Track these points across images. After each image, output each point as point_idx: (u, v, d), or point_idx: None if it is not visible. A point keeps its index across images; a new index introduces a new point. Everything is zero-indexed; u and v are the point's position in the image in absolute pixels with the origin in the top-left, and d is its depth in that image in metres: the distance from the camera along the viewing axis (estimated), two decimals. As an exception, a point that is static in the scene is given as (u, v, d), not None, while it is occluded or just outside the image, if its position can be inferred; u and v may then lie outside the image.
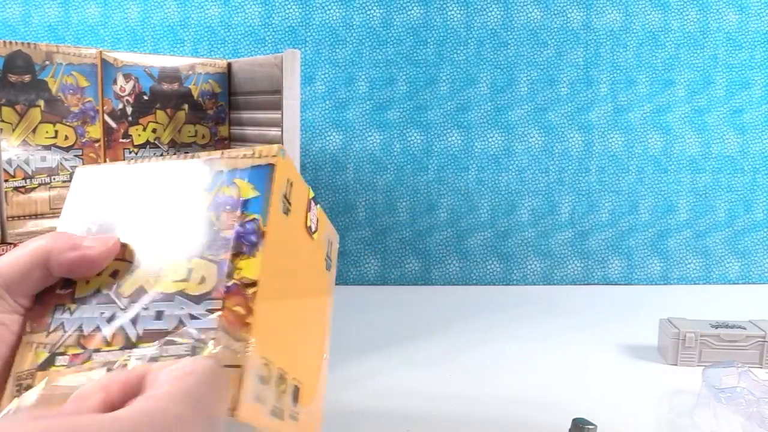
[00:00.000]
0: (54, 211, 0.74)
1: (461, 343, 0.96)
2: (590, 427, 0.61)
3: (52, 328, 0.30)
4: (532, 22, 1.26)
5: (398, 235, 1.29)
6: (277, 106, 0.80)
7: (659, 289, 1.29)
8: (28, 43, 0.70)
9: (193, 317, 0.28)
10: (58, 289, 0.31)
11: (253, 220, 0.30)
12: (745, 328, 0.88)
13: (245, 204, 0.31)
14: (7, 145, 0.70)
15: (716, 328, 0.88)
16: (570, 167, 1.30)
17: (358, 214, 1.28)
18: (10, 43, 0.69)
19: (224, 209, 0.31)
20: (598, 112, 1.29)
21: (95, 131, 0.77)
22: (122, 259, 0.31)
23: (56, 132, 0.73)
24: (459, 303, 1.17)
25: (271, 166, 0.32)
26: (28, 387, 0.29)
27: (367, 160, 1.27)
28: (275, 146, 0.32)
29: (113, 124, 0.79)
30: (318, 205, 0.37)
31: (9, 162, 0.70)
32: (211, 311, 0.28)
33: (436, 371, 0.85)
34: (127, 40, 1.20)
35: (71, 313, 0.30)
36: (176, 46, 1.21)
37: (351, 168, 1.27)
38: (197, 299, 0.29)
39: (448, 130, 1.27)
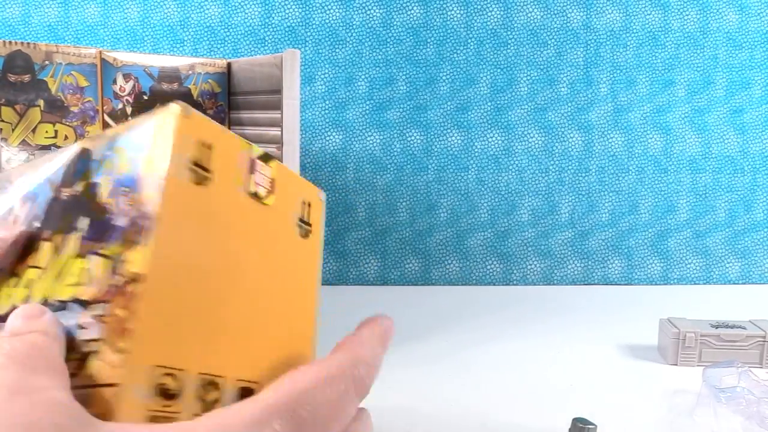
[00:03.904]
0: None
1: (461, 343, 0.96)
2: (590, 427, 0.61)
3: None
4: (532, 22, 1.26)
5: (398, 236, 1.29)
6: (277, 106, 0.80)
7: (659, 289, 1.29)
8: (28, 43, 0.70)
9: (81, 327, 0.24)
10: None
11: (148, 201, 0.25)
12: (745, 328, 0.88)
13: (140, 184, 0.25)
14: (7, 144, 0.70)
15: (716, 328, 0.88)
16: (570, 167, 1.30)
17: (358, 214, 1.28)
18: (10, 42, 0.69)
19: (121, 192, 0.26)
20: (598, 112, 1.29)
21: (95, 131, 0.77)
22: (34, 266, 0.28)
23: (56, 132, 0.73)
24: (459, 303, 1.17)
25: (170, 128, 0.25)
26: None
27: (367, 160, 1.27)
28: (174, 104, 0.26)
29: (113, 124, 0.79)
30: (273, 162, 0.30)
31: (8, 161, 0.70)
32: (97, 318, 0.24)
33: (436, 371, 0.85)
34: (126, 40, 1.20)
35: None
36: (176, 46, 1.21)
37: (351, 168, 1.27)
38: (86, 305, 0.24)
39: (448, 130, 1.27)
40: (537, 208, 1.30)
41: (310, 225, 0.32)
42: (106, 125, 0.78)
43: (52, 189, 0.29)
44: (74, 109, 0.74)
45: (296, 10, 1.23)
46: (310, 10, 1.23)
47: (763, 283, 1.33)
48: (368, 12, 1.24)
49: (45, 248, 0.28)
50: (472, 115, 1.27)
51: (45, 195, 0.30)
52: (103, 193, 0.26)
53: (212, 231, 0.26)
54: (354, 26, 1.24)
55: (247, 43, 1.22)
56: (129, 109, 0.80)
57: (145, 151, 0.26)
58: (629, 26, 1.27)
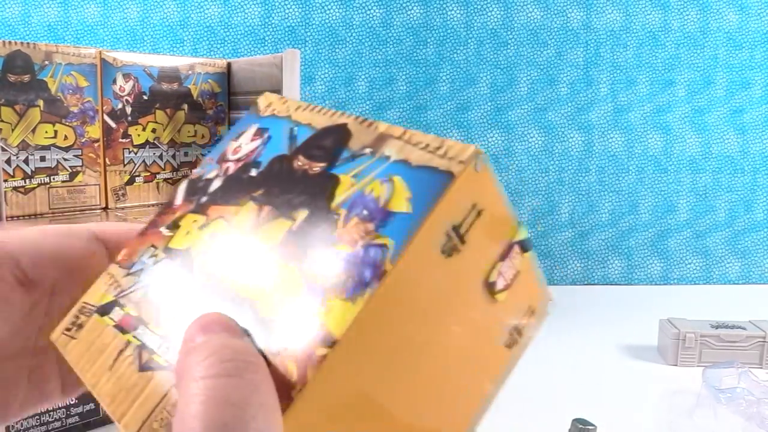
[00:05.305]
0: (53, 211, 0.74)
1: (461, 343, 0.96)
2: (590, 427, 0.61)
3: (132, 270, 0.24)
4: (532, 22, 1.26)
5: (398, 235, 1.29)
6: (277, 106, 0.80)
7: (659, 289, 1.29)
8: (28, 43, 0.70)
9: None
10: (162, 226, 0.25)
11: (382, 246, 0.19)
12: (745, 329, 0.88)
13: (385, 218, 0.20)
14: (7, 144, 0.70)
15: (716, 328, 0.88)
16: (570, 167, 1.30)
17: (357, 214, 1.28)
18: (10, 42, 0.69)
19: (358, 213, 0.20)
20: (598, 112, 1.29)
21: (94, 131, 0.77)
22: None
23: (56, 132, 0.73)
24: (459, 303, 1.17)
25: (448, 176, 0.20)
26: (81, 326, 0.24)
27: (367, 160, 1.27)
28: (472, 147, 0.20)
29: (113, 124, 0.79)
30: (528, 253, 0.24)
31: (8, 162, 0.70)
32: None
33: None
34: (126, 40, 1.20)
35: (155, 263, 0.24)
36: (176, 46, 1.21)
37: (351, 168, 1.27)
38: (258, 325, 0.20)
39: (448, 130, 1.27)
40: (537, 208, 1.30)
41: (520, 335, 0.26)
42: (105, 125, 0.78)
43: (288, 147, 0.24)
44: (74, 109, 0.74)
45: (296, 10, 1.23)
46: (310, 10, 1.23)
47: (763, 283, 1.33)
48: (368, 12, 1.24)
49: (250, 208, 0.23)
50: (472, 115, 1.27)
51: (279, 143, 0.25)
52: (339, 193, 0.21)
53: (433, 309, 0.21)
54: (354, 26, 1.24)
55: (247, 43, 1.22)
56: (129, 109, 0.80)
57: (405, 184, 0.20)
58: (629, 26, 1.27)
